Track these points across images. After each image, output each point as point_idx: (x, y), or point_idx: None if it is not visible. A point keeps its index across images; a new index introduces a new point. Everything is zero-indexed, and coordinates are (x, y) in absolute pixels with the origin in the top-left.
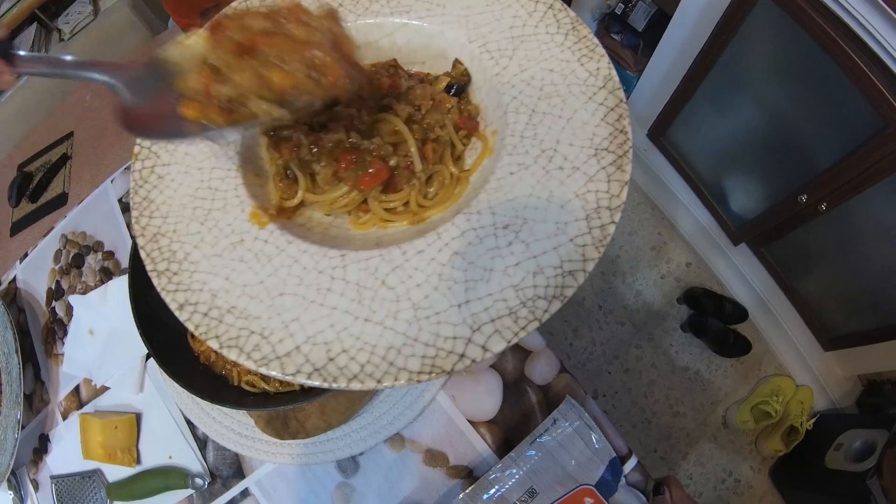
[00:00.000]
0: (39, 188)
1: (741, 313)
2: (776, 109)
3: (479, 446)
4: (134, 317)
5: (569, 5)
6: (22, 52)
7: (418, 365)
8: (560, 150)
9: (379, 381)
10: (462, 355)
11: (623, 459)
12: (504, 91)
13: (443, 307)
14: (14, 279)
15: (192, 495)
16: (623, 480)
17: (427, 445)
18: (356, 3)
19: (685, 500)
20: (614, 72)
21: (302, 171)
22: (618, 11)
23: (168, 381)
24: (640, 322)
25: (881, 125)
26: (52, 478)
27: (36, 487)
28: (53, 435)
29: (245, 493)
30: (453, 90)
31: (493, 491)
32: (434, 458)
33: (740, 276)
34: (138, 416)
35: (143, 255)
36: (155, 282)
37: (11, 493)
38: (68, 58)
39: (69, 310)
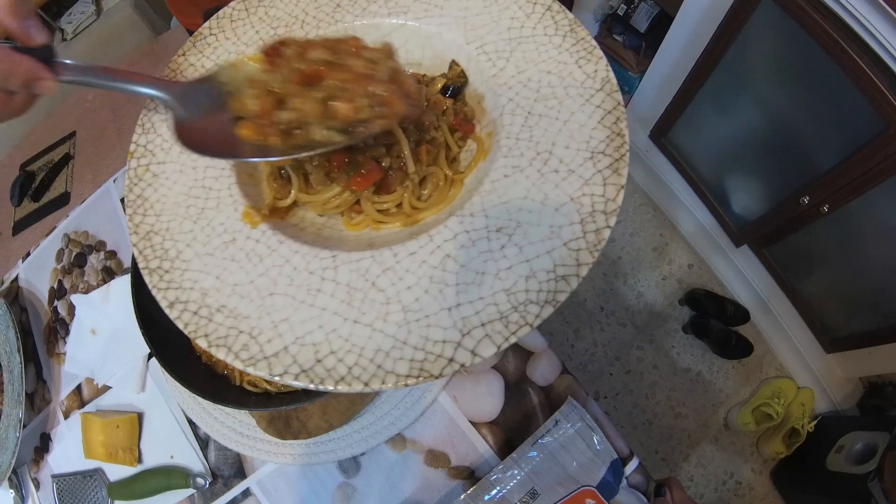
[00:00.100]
0: (42, 187)
1: (743, 315)
2: (778, 111)
3: (480, 447)
4: (136, 316)
5: (570, 7)
6: (67, 61)
7: (406, 368)
8: (556, 153)
9: (366, 384)
10: (451, 360)
11: (624, 461)
12: (501, 93)
13: (433, 310)
14: (16, 278)
15: (193, 495)
16: (624, 482)
17: (428, 446)
18: (354, 4)
19: (687, 502)
20: (612, 74)
21: (295, 171)
22: (620, 12)
23: (170, 380)
24: (641, 323)
25: (883, 126)
26: (54, 477)
27: (37, 486)
28: (55, 434)
29: (246, 493)
30: (449, 92)
31: (494, 492)
32: (435, 458)
33: (742, 277)
34: (140, 416)
35: (135, 252)
36: (147, 279)
37: (13, 491)
38: (115, 69)
39: (71, 309)
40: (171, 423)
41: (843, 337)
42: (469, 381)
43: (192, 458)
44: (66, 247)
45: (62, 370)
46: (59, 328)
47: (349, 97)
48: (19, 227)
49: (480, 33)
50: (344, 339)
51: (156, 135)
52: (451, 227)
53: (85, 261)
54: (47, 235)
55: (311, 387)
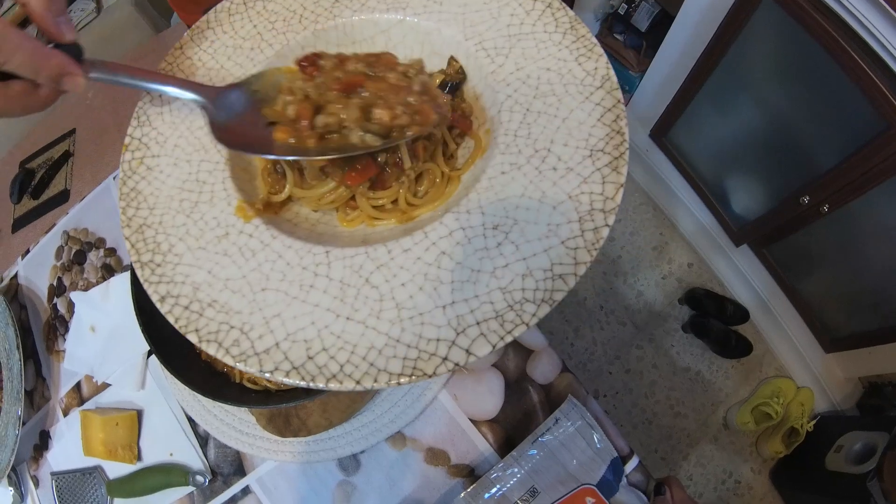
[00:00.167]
0: (41, 185)
1: (742, 314)
2: (778, 110)
3: (480, 445)
4: (135, 313)
5: (571, 5)
6: (98, 59)
7: (399, 367)
8: (554, 151)
9: (358, 382)
10: (445, 358)
11: (624, 459)
12: (499, 89)
13: (427, 308)
14: (16, 275)
15: (192, 492)
16: (624, 480)
17: (428, 444)
18: None
19: (686, 501)
20: (612, 72)
21: (290, 167)
22: (621, 11)
23: (169, 378)
24: (641, 322)
25: (883, 126)
26: (53, 474)
27: (36, 484)
28: (54, 431)
29: (246, 491)
30: (447, 88)
31: (494, 490)
32: (435, 456)
33: (742, 277)
34: (139, 413)
35: (127, 245)
36: (138, 273)
37: (12, 489)
38: (147, 70)
39: (71, 306)
40: (170, 420)
41: (842, 337)
42: (469, 379)
43: (191, 456)
44: (66, 244)
45: (61, 367)
46: (58, 325)
47: (388, 105)
48: (19, 224)
49: (479, 30)
50: (336, 336)
51: (151, 128)
52: (447, 224)
53: (84, 258)
54: (47, 233)
55: (303, 384)
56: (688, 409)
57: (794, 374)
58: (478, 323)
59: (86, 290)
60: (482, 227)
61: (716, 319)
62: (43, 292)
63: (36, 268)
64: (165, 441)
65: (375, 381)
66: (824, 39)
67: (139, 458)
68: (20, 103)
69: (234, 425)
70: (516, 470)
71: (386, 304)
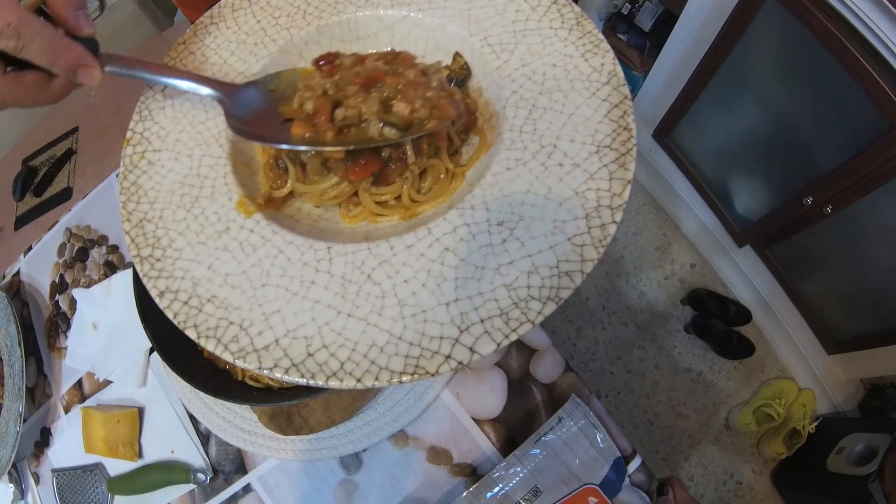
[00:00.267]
0: (44, 182)
1: (745, 315)
2: (782, 111)
3: (483, 444)
4: (137, 311)
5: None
6: (115, 53)
7: (401, 365)
8: (560, 146)
9: (359, 380)
10: (448, 357)
11: (627, 459)
12: (504, 85)
13: (430, 305)
14: (18, 272)
15: (193, 490)
16: (627, 480)
17: (431, 443)
18: None
19: (689, 501)
20: (619, 68)
21: (292, 161)
22: (624, 11)
23: (171, 375)
24: (643, 323)
25: (887, 126)
26: (54, 471)
27: (37, 481)
28: (55, 428)
29: (247, 489)
30: (452, 83)
31: (496, 489)
32: (438, 455)
33: (744, 277)
34: (141, 411)
35: (127, 240)
36: (138, 267)
37: (12, 486)
38: (164, 66)
39: (73, 303)
40: (171, 418)
41: (845, 338)
42: (472, 378)
43: (192, 454)
44: (68, 241)
45: (63, 364)
46: (60, 322)
47: (408, 98)
48: (21, 221)
49: (484, 26)
50: (337, 333)
51: (153, 122)
52: (451, 220)
53: (87, 255)
54: (49, 230)
55: (302, 381)
56: (689, 410)
57: (795, 375)
58: (482, 321)
59: (88, 287)
60: (487, 224)
61: (718, 320)
62: (45, 289)
63: (38, 265)
64: (167, 438)
65: (377, 379)
66: (828, 40)
67: (140, 455)
68: (32, 94)
69: (236, 423)
70: (519, 469)
71: (388, 300)
